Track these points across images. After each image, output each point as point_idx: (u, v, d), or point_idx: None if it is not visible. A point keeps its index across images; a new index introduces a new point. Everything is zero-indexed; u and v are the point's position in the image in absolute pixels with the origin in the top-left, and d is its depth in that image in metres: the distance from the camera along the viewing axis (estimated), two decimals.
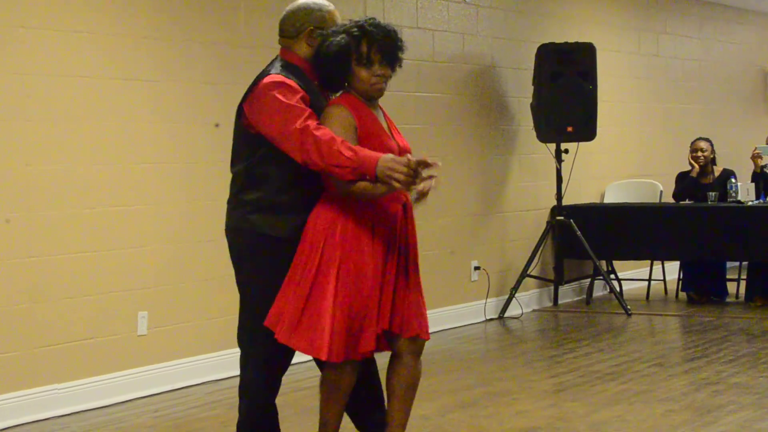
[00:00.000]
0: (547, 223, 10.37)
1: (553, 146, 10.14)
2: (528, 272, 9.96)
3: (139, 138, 7.01)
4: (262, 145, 4.55)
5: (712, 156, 10.64)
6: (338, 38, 4.56)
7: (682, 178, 10.82)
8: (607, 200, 11.39)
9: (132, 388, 6.89)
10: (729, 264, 10.95)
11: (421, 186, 4.32)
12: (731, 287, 10.69)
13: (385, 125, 4.68)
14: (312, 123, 4.40)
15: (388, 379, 4.72)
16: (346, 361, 4.55)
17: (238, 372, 7.42)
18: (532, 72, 9.99)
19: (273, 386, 4.85)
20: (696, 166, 10.60)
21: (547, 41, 10.09)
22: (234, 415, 6.45)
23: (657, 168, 12.05)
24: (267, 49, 7.76)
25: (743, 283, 10.54)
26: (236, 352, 7.49)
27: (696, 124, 12.64)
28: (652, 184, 11.38)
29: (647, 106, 12.33)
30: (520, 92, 10.16)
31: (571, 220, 10.07)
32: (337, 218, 4.51)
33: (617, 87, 11.61)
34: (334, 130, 4.45)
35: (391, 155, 4.35)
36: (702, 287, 10.57)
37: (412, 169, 4.28)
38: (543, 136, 9.88)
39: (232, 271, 7.45)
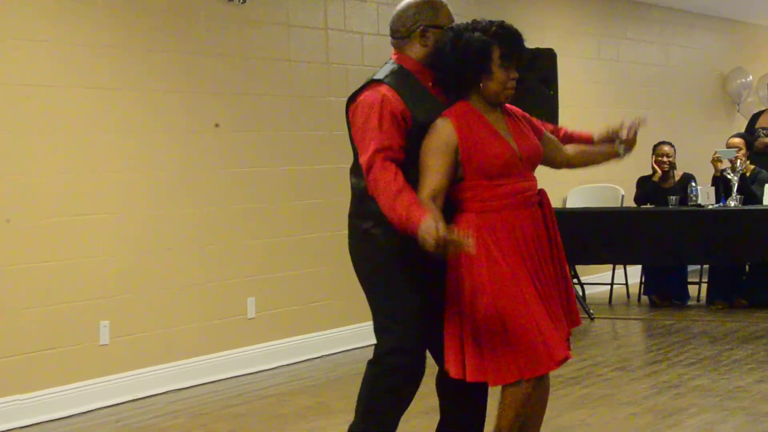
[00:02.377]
0: None
1: None
2: None
3: (99, 147, 6.98)
4: None
5: (674, 160, 10.71)
6: (475, 35, 4.34)
7: (643, 182, 10.87)
8: (569, 205, 11.44)
9: (95, 398, 6.85)
10: (690, 267, 11.02)
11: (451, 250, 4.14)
12: (692, 290, 10.75)
13: (503, 128, 4.45)
14: (378, 162, 4.18)
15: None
16: (519, 380, 4.28)
17: (199, 380, 7.47)
18: None
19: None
20: (659, 170, 10.65)
21: None
22: (197, 423, 6.46)
23: (618, 173, 12.03)
24: (226, 57, 7.79)
25: (704, 287, 10.60)
26: (196, 360, 7.53)
27: (656, 128, 12.69)
28: (613, 188, 11.44)
29: (608, 111, 12.39)
30: None
31: None
32: (478, 234, 4.28)
33: (578, 92, 11.66)
34: (427, 160, 4.27)
35: (431, 222, 4.09)
36: (664, 291, 10.63)
37: (441, 240, 4.07)
38: None
39: (192, 280, 7.50)
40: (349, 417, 4.89)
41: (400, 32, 4.45)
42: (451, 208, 4.40)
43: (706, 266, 10.72)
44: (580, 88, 11.76)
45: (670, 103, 13.59)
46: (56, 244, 6.70)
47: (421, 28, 4.40)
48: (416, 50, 4.43)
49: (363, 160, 4.23)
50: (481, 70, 4.34)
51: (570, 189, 11.52)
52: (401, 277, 4.39)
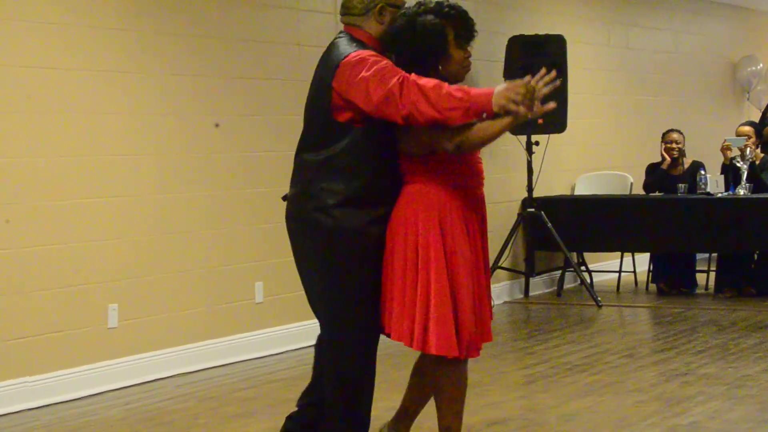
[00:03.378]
0: (518, 215, 10.39)
1: (523, 138, 10.16)
2: (499, 264, 9.97)
3: (108, 130, 6.98)
4: (347, 134, 4.34)
5: (683, 147, 10.69)
6: (429, 18, 4.36)
7: (652, 169, 10.86)
8: (578, 192, 11.43)
9: (103, 381, 6.86)
10: (698, 256, 11.01)
11: (539, 110, 4.15)
12: (701, 279, 10.73)
13: None
14: (412, 75, 4.18)
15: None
16: (465, 359, 4.39)
17: (207, 364, 7.47)
18: (503, 64, 10.00)
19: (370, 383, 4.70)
20: (668, 158, 10.63)
21: (517, 33, 10.10)
22: (205, 407, 6.47)
23: (627, 160, 12.09)
24: (237, 41, 7.78)
25: (713, 275, 10.58)
26: (204, 344, 7.53)
27: (666, 116, 12.69)
28: (622, 176, 11.42)
29: (617, 98, 12.37)
30: (491, 84, 10.12)
31: (542, 212, 10.09)
32: (432, 209, 4.38)
33: (587, 79, 11.64)
34: None
35: (504, 84, 4.10)
36: (672, 279, 10.62)
37: (530, 89, 4.06)
38: (514, 129, 9.84)
39: (201, 264, 7.49)
40: None
41: (357, 9, 4.51)
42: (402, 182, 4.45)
43: (714, 254, 10.71)
44: (590, 74, 11.73)
45: (679, 90, 13.56)
46: (65, 228, 6.71)
47: (379, 6, 4.47)
48: (372, 27, 4.50)
49: (392, 84, 4.18)
50: (439, 53, 4.40)
51: (578, 176, 11.50)
52: (352, 263, 4.43)
